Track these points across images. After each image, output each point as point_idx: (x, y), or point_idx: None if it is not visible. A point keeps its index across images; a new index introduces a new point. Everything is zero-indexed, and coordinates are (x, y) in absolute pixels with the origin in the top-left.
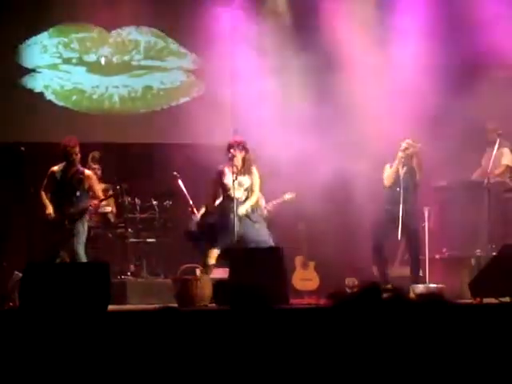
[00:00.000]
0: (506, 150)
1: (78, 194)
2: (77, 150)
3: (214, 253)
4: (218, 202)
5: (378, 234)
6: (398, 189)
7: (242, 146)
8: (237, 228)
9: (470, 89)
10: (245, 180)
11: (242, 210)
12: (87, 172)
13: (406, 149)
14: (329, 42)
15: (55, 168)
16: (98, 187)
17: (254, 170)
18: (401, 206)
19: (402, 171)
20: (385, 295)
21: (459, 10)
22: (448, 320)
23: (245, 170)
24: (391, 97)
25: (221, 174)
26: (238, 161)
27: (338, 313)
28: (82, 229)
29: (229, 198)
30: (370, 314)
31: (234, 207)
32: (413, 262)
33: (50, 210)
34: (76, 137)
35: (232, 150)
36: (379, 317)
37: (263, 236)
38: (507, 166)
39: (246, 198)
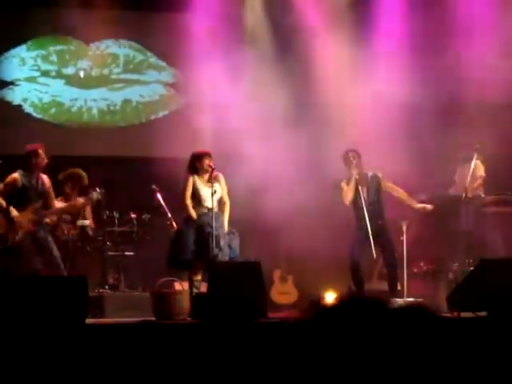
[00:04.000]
0: (478, 163)
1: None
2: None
3: (199, 267)
4: (192, 212)
5: (353, 253)
6: (363, 205)
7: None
8: (224, 242)
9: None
10: (217, 188)
11: (225, 227)
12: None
13: (357, 165)
14: (308, 61)
15: (16, 175)
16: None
17: (222, 176)
18: (367, 221)
19: (363, 187)
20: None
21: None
22: (428, 332)
23: (213, 177)
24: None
25: (193, 183)
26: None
27: (316, 325)
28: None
29: (204, 210)
30: (350, 326)
31: (213, 220)
32: (390, 276)
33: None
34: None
35: (212, 162)
36: (359, 327)
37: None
38: (483, 177)
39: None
